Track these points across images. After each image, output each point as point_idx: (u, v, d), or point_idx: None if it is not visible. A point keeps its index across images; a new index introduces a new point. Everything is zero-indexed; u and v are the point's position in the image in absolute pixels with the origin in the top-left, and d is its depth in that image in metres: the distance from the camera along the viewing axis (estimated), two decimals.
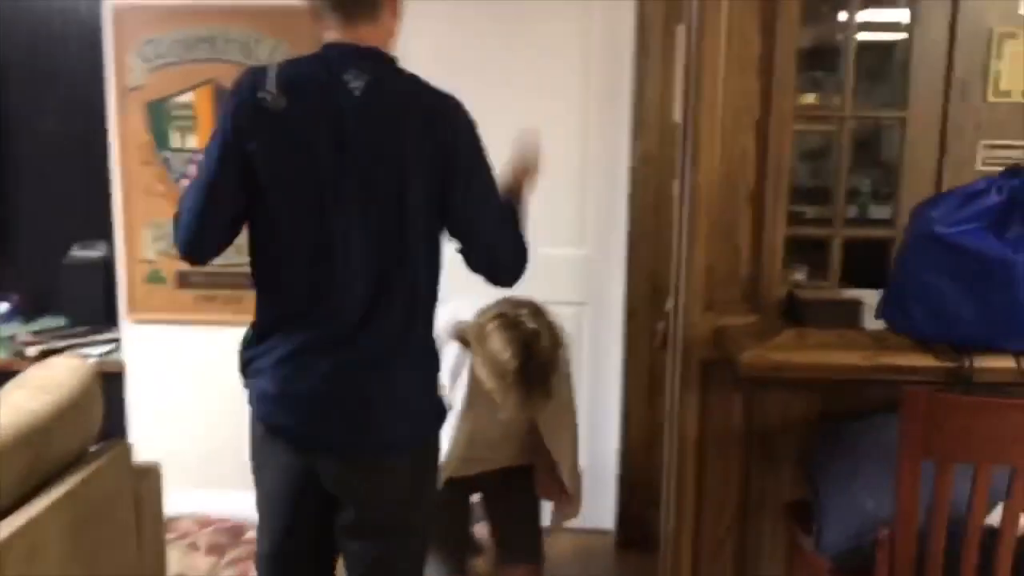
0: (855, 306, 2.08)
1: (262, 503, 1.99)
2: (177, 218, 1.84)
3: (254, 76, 1.76)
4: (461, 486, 2.50)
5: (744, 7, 2.06)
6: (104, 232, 3.72)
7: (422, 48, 3.35)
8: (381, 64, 1.78)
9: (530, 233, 3.36)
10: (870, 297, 2.25)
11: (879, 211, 4.12)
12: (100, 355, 3.48)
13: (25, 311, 3.87)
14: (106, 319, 3.73)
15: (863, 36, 3.61)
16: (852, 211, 4.11)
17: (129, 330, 3.50)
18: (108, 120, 3.38)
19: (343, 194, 1.74)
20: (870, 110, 4.14)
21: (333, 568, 2.05)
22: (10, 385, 2.24)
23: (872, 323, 2.13)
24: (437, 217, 1.82)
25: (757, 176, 2.12)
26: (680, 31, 3.14)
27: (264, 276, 1.86)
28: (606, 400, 3.52)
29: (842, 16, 3.20)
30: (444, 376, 2.07)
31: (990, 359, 1.91)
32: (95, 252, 3.76)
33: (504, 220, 1.92)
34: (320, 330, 1.80)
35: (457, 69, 3.30)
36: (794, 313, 2.12)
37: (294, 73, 1.75)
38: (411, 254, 1.79)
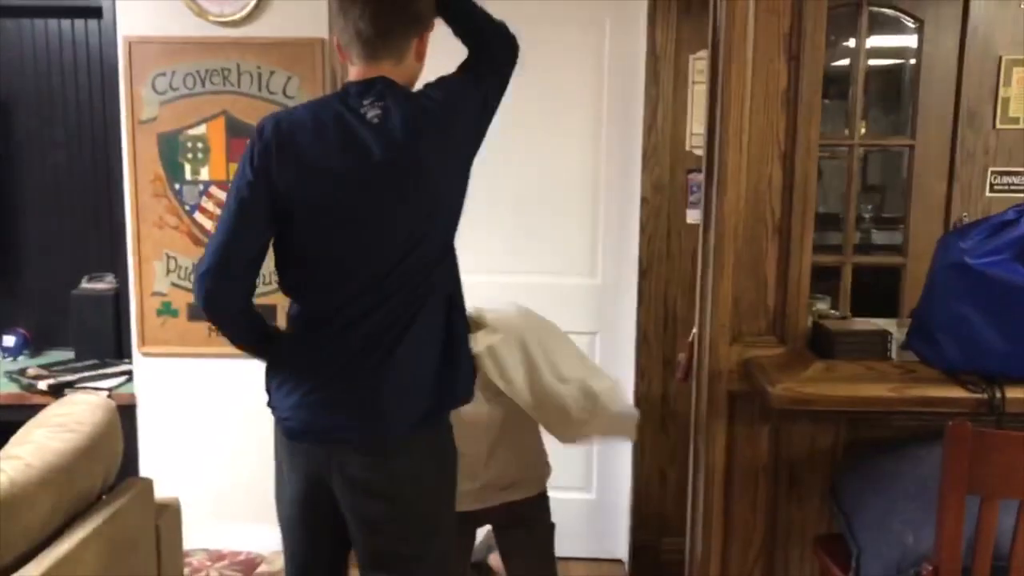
0: (883, 337, 2.08)
1: (283, 527, 2.02)
2: (197, 270, 1.86)
3: (276, 116, 1.84)
4: (467, 520, 2.47)
5: (769, 38, 2.08)
6: (113, 265, 3.72)
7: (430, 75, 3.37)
8: (395, 92, 1.80)
9: (542, 263, 3.37)
10: (883, 326, 2.26)
11: (881, 236, 4.14)
12: (111, 388, 3.45)
13: (33, 344, 3.85)
14: (116, 352, 3.72)
15: (871, 62, 3.65)
16: (856, 237, 4.14)
17: (141, 363, 3.47)
18: (121, 153, 3.37)
19: (366, 217, 1.78)
20: (878, 137, 4.18)
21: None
22: (31, 424, 2.22)
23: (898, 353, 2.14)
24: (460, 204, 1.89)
25: (783, 207, 2.12)
26: (693, 60, 3.17)
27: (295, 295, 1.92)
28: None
29: (851, 43, 3.25)
30: None
31: (1021, 390, 1.91)
32: (104, 284, 3.75)
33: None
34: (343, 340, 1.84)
35: None
36: (820, 344, 2.11)
37: (312, 110, 1.82)
38: (434, 265, 1.85)
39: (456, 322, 1.90)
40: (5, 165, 3.79)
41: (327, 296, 1.86)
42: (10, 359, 3.77)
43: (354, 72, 1.83)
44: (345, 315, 1.83)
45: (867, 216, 4.48)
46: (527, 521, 2.55)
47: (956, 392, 1.94)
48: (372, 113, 1.76)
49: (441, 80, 1.88)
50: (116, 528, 2.16)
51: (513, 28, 1.98)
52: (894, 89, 3.97)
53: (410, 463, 1.87)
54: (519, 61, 2.04)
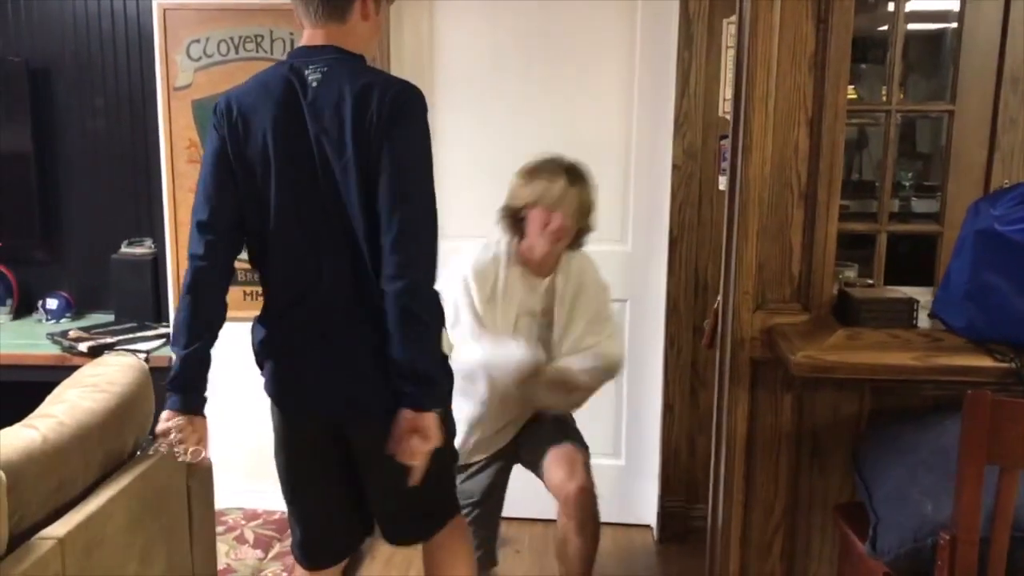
0: (908, 305, 2.05)
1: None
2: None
3: (226, 96, 1.96)
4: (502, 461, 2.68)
5: (797, 1, 2.04)
6: (152, 229, 3.78)
7: (462, 45, 3.37)
8: (340, 56, 1.88)
9: None
10: (916, 295, 2.23)
11: (922, 205, 4.06)
12: (148, 351, 3.52)
13: (75, 307, 3.94)
14: (155, 315, 3.79)
15: (910, 27, 3.57)
16: (894, 205, 4.07)
17: None
18: (156, 119, 3.42)
19: (308, 181, 1.87)
20: (917, 103, 4.08)
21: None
22: (65, 383, 2.28)
23: (925, 322, 2.10)
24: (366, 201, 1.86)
25: (809, 173, 2.10)
26: (727, 25, 3.11)
27: (258, 267, 2.05)
28: (648, 396, 3.51)
29: (890, 6, 3.16)
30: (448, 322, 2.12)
31: None
32: (143, 249, 3.82)
33: (428, 227, 1.87)
34: (311, 310, 1.96)
35: (498, 67, 3.34)
36: (845, 312, 2.09)
37: (261, 81, 1.93)
38: (355, 235, 1.87)
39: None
40: (46, 132, 3.86)
41: (281, 267, 1.98)
42: (53, 322, 3.86)
43: (304, 36, 1.94)
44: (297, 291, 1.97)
45: (908, 184, 4.40)
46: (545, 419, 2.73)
47: (982, 361, 1.91)
48: (313, 77, 1.85)
49: (404, 92, 1.85)
50: (146, 486, 2.22)
51: None
52: (935, 54, 3.87)
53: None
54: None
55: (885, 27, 3.30)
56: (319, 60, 1.88)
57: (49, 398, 2.22)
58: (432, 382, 1.90)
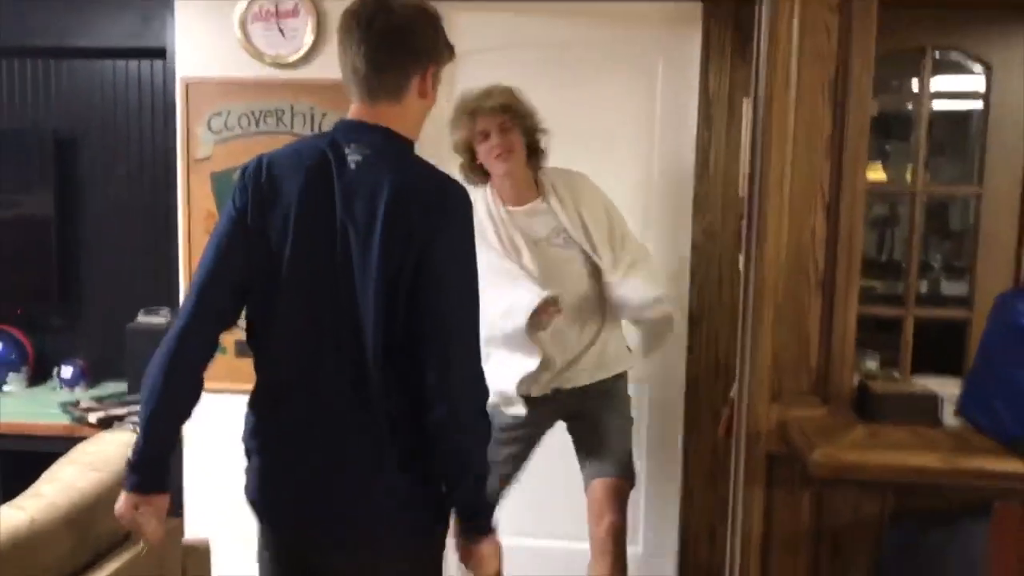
0: (932, 401, 1.95)
1: None
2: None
3: (259, 158, 1.80)
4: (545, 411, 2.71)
5: (813, 81, 1.98)
6: (170, 299, 3.77)
7: None
8: (387, 140, 1.76)
9: None
10: (946, 386, 2.12)
11: (952, 287, 3.96)
12: None
13: (91, 376, 3.92)
14: None
15: (937, 105, 3.51)
16: (923, 287, 3.96)
17: None
18: (176, 190, 3.43)
19: (325, 266, 1.73)
20: (943, 184, 4.00)
21: None
22: (61, 461, 2.24)
23: (953, 418, 2.00)
24: (406, 304, 1.71)
25: (827, 259, 2.01)
26: (746, 103, 3.07)
27: (254, 345, 1.88)
28: (667, 481, 3.40)
29: (914, 85, 3.12)
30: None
31: None
32: (159, 319, 3.80)
33: (468, 345, 1.75)
34: (308, 404, 1.79)
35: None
36: (866, 406, 1.99)
37: (297, 149, 1.80)
38: (379, 327, 1.71)
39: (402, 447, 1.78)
40: (69, 199, 3.90)
41: (280, 349, 1.82)
42: (67, 390, 3.84)
43: (352, 110, 1.80)
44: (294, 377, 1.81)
45: (937, 265, 4.30)
46: (605, 408, 2.78)
47: (1014, 466, 1.78)
48: (353, 157, 1.72)
49: (450, 197, 1.75)
50: (140, 570, 2.15)
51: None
52: (962, 133, 3.80)
53: None
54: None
55: (910, 105, 3.25)
56: (363, 141, 1.74)
57: (45, 475, 2.18)
58: (477, 514, 1.81)
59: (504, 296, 2.52)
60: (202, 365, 1.87)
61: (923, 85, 3.08)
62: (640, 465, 3.39)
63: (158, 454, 1.88)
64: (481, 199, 2.70)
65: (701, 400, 3.28)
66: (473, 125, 2.63)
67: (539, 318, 2.53)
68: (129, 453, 1.85)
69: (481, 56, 3.34)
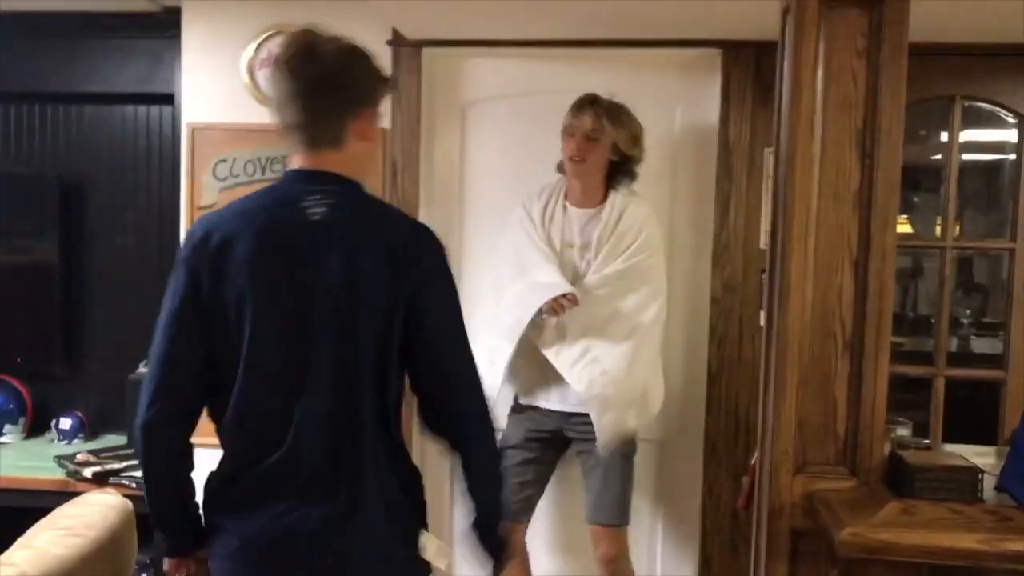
0: (972, 474, 1.80)
1: None
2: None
3: (201, 224, 1.73)
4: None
5: (840, 132, 1.87)
6: None
7: (493, 173, 3.25)
8: (344, 187, 1.72)
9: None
10: (979, 455, 1.98)
11: (982, 344, 3.80)
12: None
13: (90, 428, 3.81)
14: None
15: (966, 157, 3.39)
16: (952, 344, 3.81)
17: None
18: (179, 238, 3.35)
19: (297, 322, 1.67)
20: (974, 238, 3.87)
21: None
22: (40, 524, 2.11)
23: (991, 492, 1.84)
24: (396, 348, 1.71)
25: (855, 320, 1.88)
26: (767, 154, 2.96)
27: (226, 416, 1.75)
28: (684, 549, 3.23)
29: (943, 136, 3.00)
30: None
31: None
32: None
33: (470, 375, 1.77)
34: (283, 471, 1.69)
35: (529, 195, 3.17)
36: (899, 479, 1.84)
37: (242, 209, 1.73)
38: (367, 385, 1.69)
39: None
40: (74, 247, 3.82)
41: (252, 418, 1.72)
42: (65, 442, 3.72)
43: (296, 160, 1.75)
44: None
45: (966, 321, 4.14)
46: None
47: None
48: (315, 210, 1.67)
49: (427, 239, 1.77)
50: None
51: None
52: (993, 186, 3.68)
53: None
54: None
55: (938, 155, 3.13)
56: (320, 191, 1.69)
57: (19, 541, 2.05)
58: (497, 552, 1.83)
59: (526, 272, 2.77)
60: (180, 447, 1.80)
61: (952, 135, 2.97)
62: (656, 529, 3.25)
63: (174, 521, 1.85)
64: (554, 186, 2.88)
65: (720, 462, 3.12)
66: (571, 118, 2.78)
67: (558, 302, 2.67)
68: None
69: (496, 103, 3.28)
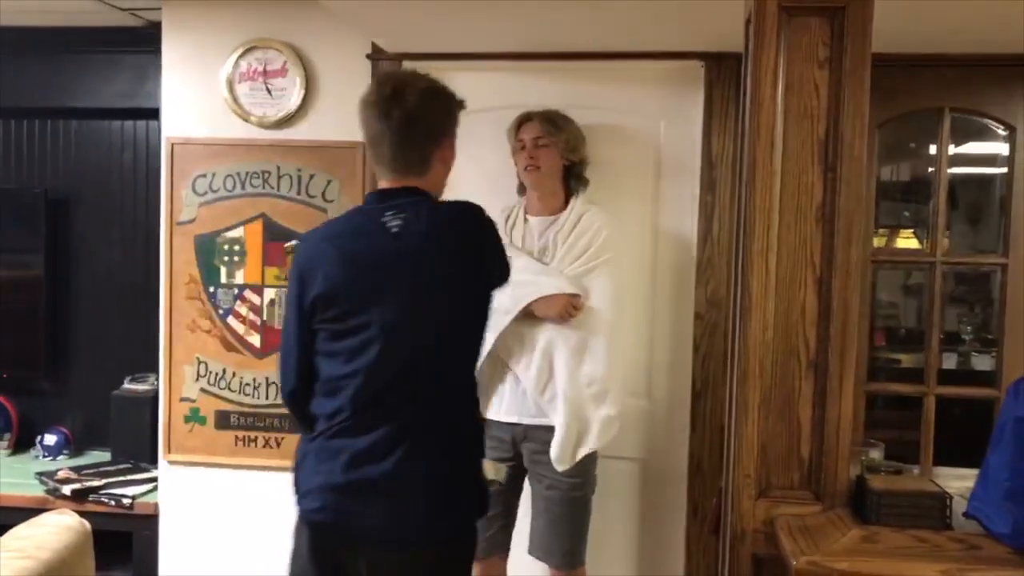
0: (940, 500, 1.72)
1: None
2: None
3: (307, 236, 2.06)
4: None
5: (801, 145, 1.81)
6: (156, 366, 3.64)
7: (480, 175, 3.20)
8: (417, 200, 1.91)
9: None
10: (967, 477, 1.90)
11: (984, 361, 3.70)
12: (134, 496, 3.32)
13: (75, 443, 3.79)
14: (150, 456, 3.61)
15: (957, 171, 3.30)
16: (952, 361, 3.71)
17: (166, 471, 3.34)
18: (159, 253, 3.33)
19: (390, 319, 1.86)
20: (966, 255, 3.77)
21: None
22: None
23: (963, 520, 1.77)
24: (480, 321, 1.98)
25: (819, 338, 1.82)
26: None
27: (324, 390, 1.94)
28: (668, 571, 3.14)
29: (931, 149, 2.94)
30: None
31: None
32: (145, 386, 3.67)
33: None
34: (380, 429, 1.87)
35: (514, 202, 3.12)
36: (863, 504, 1.77)
37: (338, 227, 1.97)
38: (452, 369, 1.95)
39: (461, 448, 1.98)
40: (60, 263, 3.82)
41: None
42: (49, 458, 3.71)
43: (383, 183, 1.96)
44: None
45: (967, 336, 4.05)
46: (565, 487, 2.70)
47: None
48: (394, 223, 1.86)
49: (480, 214, 1.98)
50: None
51: None
52: (984, 199, 3.59)
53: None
54: None
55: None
56: (394, 205, 1.89)
57: None
58: None
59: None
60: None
61: (941, 148, 2.90)
62: (639, 551, 3.17)
63: None
64: (515, 204, 2.91)
65: (705, 479, 3.05)
66: (516, 134, 2.84)
67: (567, 309, 2.66)
68: None
69: (480, 116, 3.19)
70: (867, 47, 1.76)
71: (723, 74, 2.98)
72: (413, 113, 1.88)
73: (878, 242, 3.91)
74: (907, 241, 4.29)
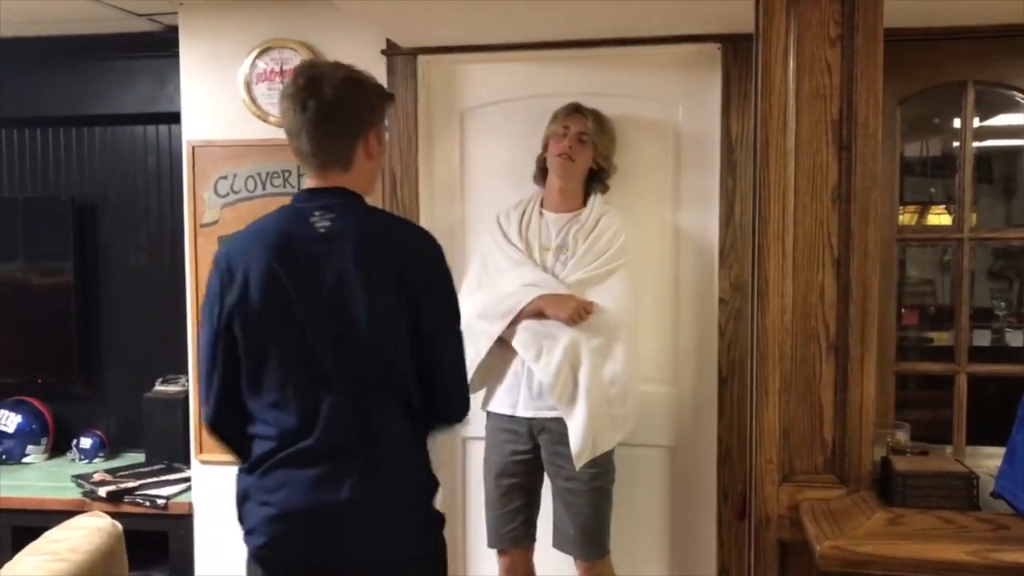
0: (967, 481, 1.70)
1: None
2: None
3: (223, 248, 1.90)
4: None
5: (815, 125, 1.79)
6: (187, 367, 3.68)
7: (493, 173, 3.20)
8: (346, 201, 1.84)
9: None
10: (997, 460, 1.86)
11: (1019, 337, 3.63)
12: (168, 496, 3.37)
13: (110, 446, 3.85)
14: (184, 456, 3.65)
15: (992, 143, 3.24)
16: (986, 338, 3.64)
17: (199, 470, 3.38)
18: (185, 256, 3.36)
19: (315, 325, 1.79)
20: (996, 228, 3.70)
21: None
22: (26, 550, 2.11)
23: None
24: (405, 340, 1.84)
25: (839, 320, 1.80)
26: None
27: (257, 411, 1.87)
28: (700, 558, 3.13)
29: (955, 123, 2.89)
30: None
31: None
32: (176, 387, 3.71)
33: (459, 357, 1.95)
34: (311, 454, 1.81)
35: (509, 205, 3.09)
36: (888, 487, 1.74)
37: (258, 229, 1.86)
38: (383, 383, 1.83)
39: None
40: (89, 268, 3.86)
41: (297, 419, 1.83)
42: (85, 461, 3.76)
43: (310, 181, 1.89)
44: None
45: (1001, 313, 3.97)
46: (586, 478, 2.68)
47: None
48: (321, 224, 1.80)
49: (423, 239, 1.91)
50: None
51: None
52: (1017, 172, 3.52)
53: None
54: None
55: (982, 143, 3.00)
56: (323, 205, 1.82)
57: (5, 567, 2.05)
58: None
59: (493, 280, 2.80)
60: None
61: (965, 122, 2.85)
62: (670, 539, 3.16)
63: None
64: (531, 197, 2.90)
65: (734, 466, 3.02)
66: (562, 121, 2.82)
67: (578, 312, 2.65)
68: None
69: (495, 108, 3.23)
70: (879, 23, 1.73)
71: (740, 56, 2.94)
72: (331, 102, 1.79)
73: (908, 219, 3.85)
74: (939, 217, 4.21)
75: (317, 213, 1.81)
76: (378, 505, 1.81)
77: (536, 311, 2.67)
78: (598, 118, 2.83)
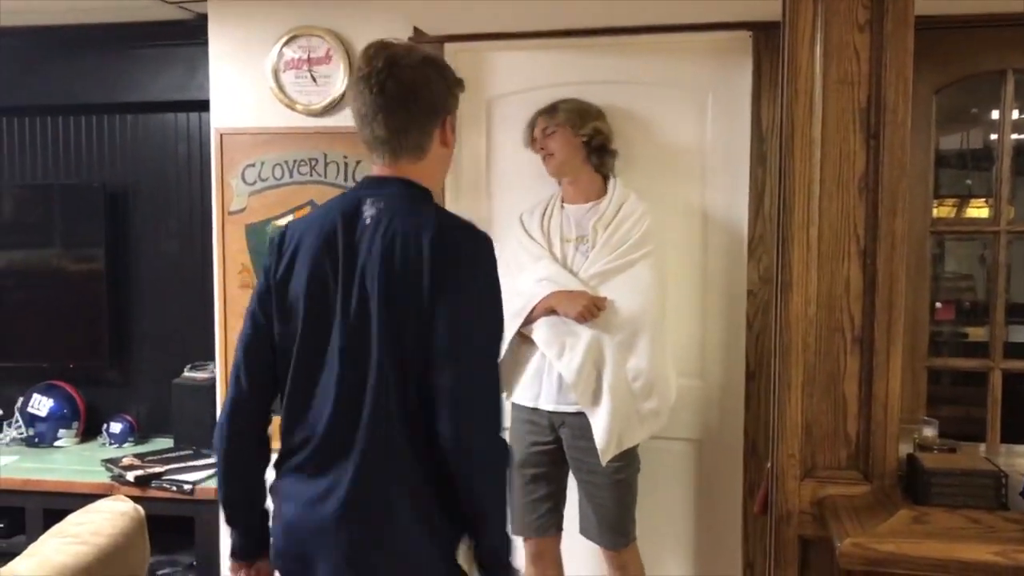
0: (996, 479, 1.65)
1: None
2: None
3: (287, 225, 1.85)
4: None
5: (842, 112, 1.75)
6: (214, 354, 3.71)
7: (521, 166, 3.17)
8: (401, 190, 1.74)
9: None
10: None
11: None
12: (195, 482, 3.39)
13: (140, 431, 3.88)
14: (211, 442, 3.68)
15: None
16: (1019, 334, 3.55)
17: None
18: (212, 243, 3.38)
19: (345, 319, 1.70)
20: None
21: None
22: (49, 532, 2.13)
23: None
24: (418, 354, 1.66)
25: (864, 313, 1.75)
26: None
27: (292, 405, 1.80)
28: (725, 553, 3.09)
29: (993, 115, 2.81)
30: None
31: None
32: (205, 374, 3.73)
33: (472, 389, 1.66)
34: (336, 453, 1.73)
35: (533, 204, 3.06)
36: (914, 484, 1.70)
37: (321, 211, 1.81)
38: (395, 383, 1.66)
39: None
40: (120, 254, 3.89)
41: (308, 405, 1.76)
42: (115, 446, 3.80)
43: (375, 169, 1.79)
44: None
45: None
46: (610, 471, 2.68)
47: None
48: (368, 212, 1.70)
49: (466, 240, 1.71)
50: None
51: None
52: None
53: None
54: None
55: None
56: (380, 194, 1.73)
57: (28, 550, 2.07)
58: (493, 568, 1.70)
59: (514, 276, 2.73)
60: (260, 432, 1.88)
61: (1004, 113, 2.77)
62: (696, 533, 3.13)
63: (243, 521, 1.91)
64: (552, 195, 2.92)
65: (760, 461, 2.97)
66: (531, 134, 2.89)
67: (588, 308, 2.61)
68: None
69: (522, 96, 3.19)
70: (909, 7, 1.69)
71: (772, 45, 2.87)
72: (409, 85, 1.68)
73: (945, 212, 3.76)
74: (979, 211, 4.12)
75: (369, 201, 1.71)
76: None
77: (547, 309, 2.66)
78: (549, 108, 2.85)
